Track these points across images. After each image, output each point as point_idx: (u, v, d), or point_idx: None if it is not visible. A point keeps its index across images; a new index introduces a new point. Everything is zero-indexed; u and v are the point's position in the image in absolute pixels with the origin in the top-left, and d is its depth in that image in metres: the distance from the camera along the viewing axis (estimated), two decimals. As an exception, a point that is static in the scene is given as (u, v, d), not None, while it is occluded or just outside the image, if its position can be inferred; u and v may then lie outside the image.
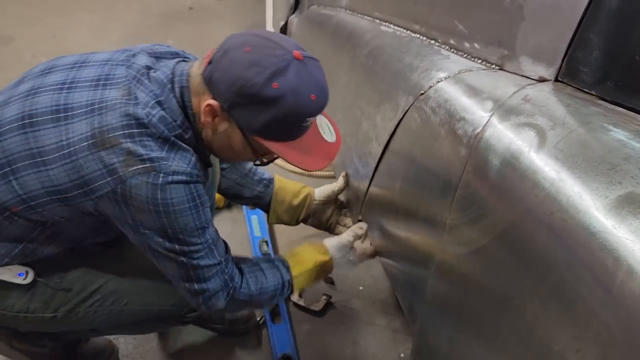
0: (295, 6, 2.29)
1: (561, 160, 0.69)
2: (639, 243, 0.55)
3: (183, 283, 0.97)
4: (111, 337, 1.39)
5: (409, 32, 1.29)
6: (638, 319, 0.52)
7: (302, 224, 1.44)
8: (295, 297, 1.58)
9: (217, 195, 1.31)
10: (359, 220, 1.37)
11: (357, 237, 1.28)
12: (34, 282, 0.98)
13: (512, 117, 0.81)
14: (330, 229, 1.42)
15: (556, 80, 0.88)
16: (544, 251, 0.66)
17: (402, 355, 1.46)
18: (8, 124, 0.88)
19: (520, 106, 0.82)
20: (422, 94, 1.04)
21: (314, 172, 2.15)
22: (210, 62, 0.86)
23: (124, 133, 0.83)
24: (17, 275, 0.96)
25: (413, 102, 1.06)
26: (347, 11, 1.66)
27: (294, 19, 2.24)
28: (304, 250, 1.20)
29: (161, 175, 0.83)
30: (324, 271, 1.21)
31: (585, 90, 0.83)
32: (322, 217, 1.40)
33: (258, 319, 1.50)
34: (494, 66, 1.01)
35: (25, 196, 0.87)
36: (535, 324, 0.66)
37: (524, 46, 0.94)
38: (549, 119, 0.76)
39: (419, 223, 1.03)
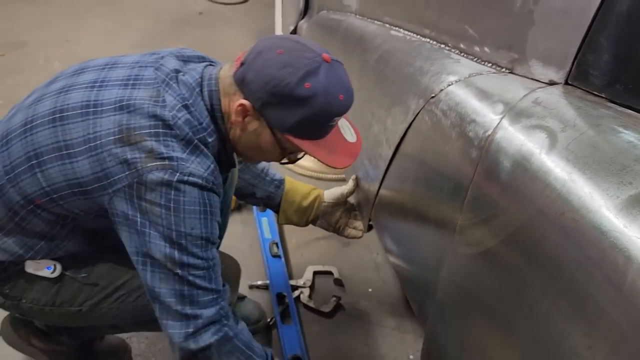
0: (305, 11, 2.32)
1: (572, 162, 0.70)
2: (651, 242, 0.56)
3: (175, 305, 0.90)
4: (125, 337, 1.41)
5: (419, 36, 1.30)
6: (649, 316, 0.54)
7: (311, 226, 1.46)
8: (305, 299, 1.60)
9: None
10: (369, 224, 1.39)
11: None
12: (61, 275, 1.01)
13: (522, 120, 0.82)
14: (339, 231, 1.43)
15: (566, 83, 0.89)
16: (556, 251, 0.67)
17: (411, 357, 1.47)
18: (40, 118, 0.91)
19: (531, 109, 0.84)
20: (433, 97, 1.06)
21: (324, 175, 2.17)
22: (242, 64, 0.89)
23: (150, 132, 0.86)
24: (46, 268, 0.99)
25: (424, 105, 1.08)
26: (357, 16, 1.68)
27: (304, 24, 2.26)
28: None
29: (177, 174, 0.85)
30: None
31: (595, 93, 0.84)
32: (330, 219, 1.41)
33: (268, 319, 1.51)
34: (504, 70, 1.02)
35: (48, 188, 0.90)
36: (548, 321, 0.67)
37: (534, 50, 0.95)
38: (559, 121, 0.78)
39: (430, 224, 1.04)
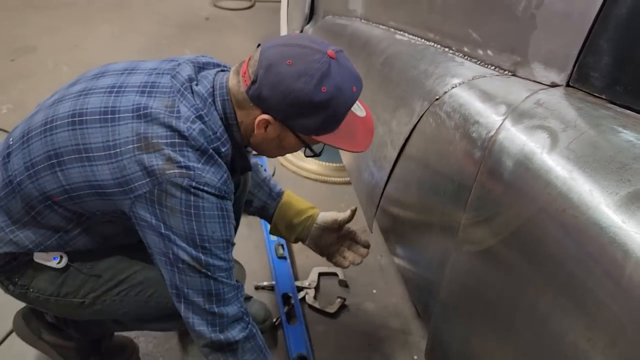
0: (310, 16, 2.35)
1: (573, 160, 0.72)
2: (648, 237, 0.58)
3: (203, 303, 0.95)
4: (132, 337, 1.43)
5: (423, 40, 1.32)
6: (646, 308, 0.55)
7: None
8: (310, 300, 1.61)
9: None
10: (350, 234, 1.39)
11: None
12: (67, 266, 1.04)
13: (525, 120, 0.84)
14: (328, 257, 1.38)
15: (567, 85, 0.91)
16: (557, 247, 0.69)
17: (415, 357, 1.48)
18: (59, 119, 0.95)
19: (533, 110, 0.86)
20: (437, 99, 1.08)
21: (329, 178, 2.19)
22: (254, 81, 0.90)
23: (167, 142, 0.89)
24: (53, 259, 1.03)
25: (428, 107, 1.10)
26: (362, 21, 1.71)
27: (309, 29, 2.29)
28: None
29: (194, 182, 0.89)
30: None
31: (596, 94, 0.86)
32: (319, 242, 1.36)
33: (274, 319, 1.53)
34: (506, 72, 1.04)
35: (67, 187, 0.93)
36: (549, 316, 0.69)
37: (536, 53, 0.97)
38: (560, 122, 0.80)
39: (434, 224, 1.06)
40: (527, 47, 0.99)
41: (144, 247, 0.98)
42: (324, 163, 2.23)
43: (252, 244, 1.83)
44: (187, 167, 0.89)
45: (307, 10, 2.35)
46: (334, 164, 2.21)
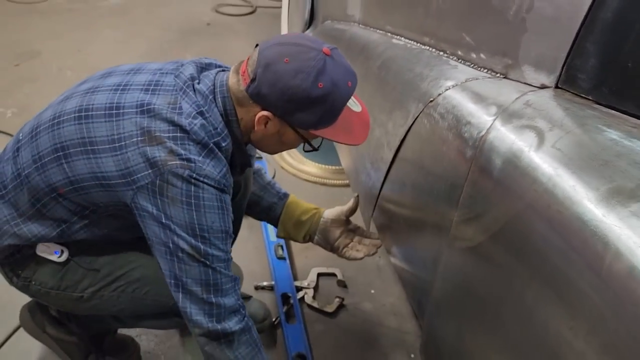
0: (310, 21, 2.38)
1: (558, 158, 0.75)
2: (626, 229, 0.61)
3: (201, 293, 0.97)
4: (134, 335, 1.46)
5: (419, 44, 1.36)
6: (623, 297, 0.58)
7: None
8: (309, 299, 1.64)
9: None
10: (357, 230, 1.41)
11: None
12: (67, 261, 1.08)
13: (514, 120, 0.87)
14: (337, 251, 1.38)
15: (556, 87, 0.94)
16: (542, 241, 0.72)
17: (412, 355, 1.50)
18: (67, 114, 0.99)
19: (522, 110, 0.89)
20: (431, 101, 1.11)
21: (328, 180, 2.22)
22: (253, 80, 0.94)
23: (169, 136, 0.93)
24: (54, 252, 1.07)
25: (423, 109, 1.13)
26: (360, 25, 1.74)
27: (309, 34, 2.33)
28: None
29: (195, 173, 0.92)
30: None
31: (583, 95, 0.89)
32: (328, 236, 1.38)
33: (273, 319, 1.56)
34: (498, 75, 1.07)
35: (73, 178, 0.97)
36: (534, 307, 0.72)
37: (526, 56, 1.01)
38: (548, 122, 0.83)
39: (428, 221, 1.09)
40: (518, 50, 1.02)
41: (142, 244, 1.01)
42: (323, 166, 2.26)
43: (252, 245, 1.85)
44: (188, 160, 0.92)
45: (307, 15, 2.39)
46: (333, 167, 2.24)
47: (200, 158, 0.93)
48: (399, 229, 1.27)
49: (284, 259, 1.77)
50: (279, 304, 1.61)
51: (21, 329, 1.38)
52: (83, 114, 0.97)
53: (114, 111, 0.96)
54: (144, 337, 1.49)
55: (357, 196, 1.41)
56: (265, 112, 0.96)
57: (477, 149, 0.90)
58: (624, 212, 0.63)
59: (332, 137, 0.99)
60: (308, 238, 1.40)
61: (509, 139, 0.84)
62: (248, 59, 0.97)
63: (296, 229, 1.39)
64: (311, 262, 1.79)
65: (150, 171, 0.92)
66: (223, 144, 0.98)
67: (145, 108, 0.95)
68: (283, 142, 1.03)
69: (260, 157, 2.27)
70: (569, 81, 0.92)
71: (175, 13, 4.01)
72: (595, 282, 0.62)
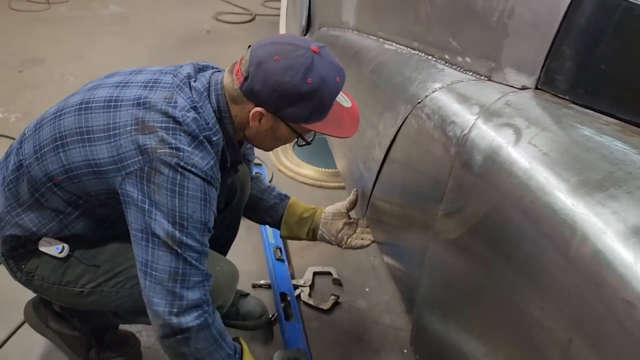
0: (307, 28, 2.45)
1: (534, 153, 0.80)
2: (592, 216, 0.66)
3: (166, 281, 0.98)
4: (135, 331, 1.50)
5: (409, 49, 1.41)
6: (588, 278, 0.63)
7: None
8: (305, 297, 1.68)
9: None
10: (358, 221, 1.47)
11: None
12: (68, 256, 1.12)
13: (494, 119, 0.92)
14: (342, 242, 1.44)
15: (536, 88, 0.99)
16: (517, 230, 0.77)
17: (405, 351, 1.54)
18: (69, 107, 1.04)
19: (502, 110, 0.94)
20: (419, 102, 1.16)
21: (325, 183, 2.26)
22: (246, 78, 0.99)
23: (162, 126, 0.97)
24: (55, 248, 1.11)
25: (411, 110, 1.18)
26: (354, 32, 1.80)
27: (306, 40, 2.39)
28: None
29: (182, 162, 0.96)
30: None
31: (560, 96, 0.94)
32: (331, 228, 1.43)
33: (270, 315, 1.60)
34: (483, 77, 1.12)
35: (68, 166, 1.01)
36: (510, 292, 0.76)
37: (508, 59, 1.06)
38: (525, 120, 0.88)
39: (416, 217, 1.14)
40: (501, 54, 1.07)
41: None
42: (319, 169, 2.31)
43: (250, 246, 1.90)
44: (178, 149, 0.96)
45: (304, 22, 2.45)
46: (329, 170, 2.29)
47: (189, 148, 0.97)
48: (390, 225, 1.32)
49: (282, 260, 1.82)
50: (277, 302, 1.65)
51: (26, 324, 1.43)
52: (84, 106, 1.03)
53: (112, 103, 1.01)
54: (145, 332, 1.53)
55: (357, 190, 1.47)
56: (258, 109, 1.01)
57: (460, 146, 0.95)
58: (591, 201, 0.68)
59: (323, 131, 1.04)
60: (311, 234, 1.44)
61: (489, 136, 0.89)
62: (241, 59, 1.03)
63: (299, 225, 1.44)
64: (307, 261, 1.84)
65: (140, 158, 0.96)
66: (214, 138, 1.02)
67: (142, 101, 1.00)
68: (277, 138, 1.08)
69: (260, 164, 2.32)
70: (548, 82, 0.97)
71: (175, 21, 4.08)
72: (563, 265, 0.66)
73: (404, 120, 1.21)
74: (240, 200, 1.39)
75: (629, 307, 0.57)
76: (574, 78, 0.93)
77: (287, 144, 2.47)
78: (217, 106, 1.04)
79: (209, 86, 1.05)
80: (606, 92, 0.88)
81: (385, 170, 1.31)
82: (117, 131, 0.99)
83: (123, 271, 1.15)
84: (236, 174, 1.24)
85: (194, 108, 1.01)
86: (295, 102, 0.98)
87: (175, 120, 0.98)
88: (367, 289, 1.76)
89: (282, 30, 2.91)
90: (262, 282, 1.73)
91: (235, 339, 1.15)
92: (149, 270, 0.99)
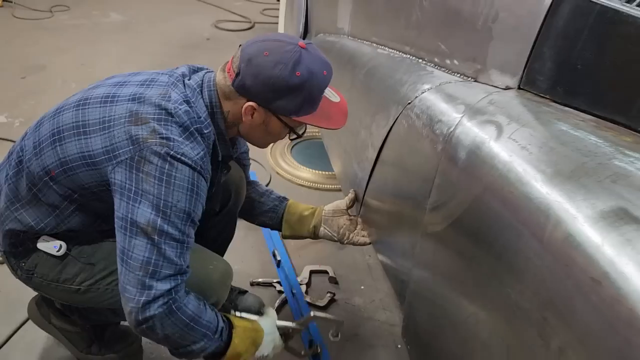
0: (304, 35, 2.51)
1: (513, 147, 0.85)
2: (565, 203, 0.71)
3: (137, 270, 0.98)
4: (135, 326, 1.54)
5: (400, 53, 1.47)
6: (560, 259, 0.67)
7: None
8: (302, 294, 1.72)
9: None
10: (358, 219, 1.52)
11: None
12: (65, 255, 1.15)
13: (478, 117, 0.98)
14: (344, 238, 1.48)
15: (519, 88, 1.05)
16: (496, 218, 0.81)
17: (399, 345, 1.58)
18: (68, 105, 1.09)
19: (486, 108, 0.99)
20: (409, 103, 1.21)
21: (322, 185, 2.31)
22: (237, 74, 1.04)
23: (154, 117, 1.02)
24: (53, 247, 1.14)
25: (402, 111, 1.23)
26: (349, 37, 1.86)
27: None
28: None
29: (172, 151, 1.00)
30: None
31: (541, 95, 1.00)
32: (334, 225, 1.48)
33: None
34: (470, 79, 1.18)
35: (63, 159, 1.05)
36: (491, 277, 0.81)
37: (493, 61, 1.11)
38: (506, 117, 0.93)
39: (406, 212, 1.18)
40: (486, 56, 1.13)
41: None
42: (316, 172, 2.36)
43: (248, 245, 1.94)
44: (168, 138, 1.00)
45: (301, 29, 2.51)
46: (326, 173, 2.34)
47: (180, 139, 1.01)
48: (382, 222, 1.37)
49: (279, 261, 1.86)
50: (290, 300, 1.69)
51: (29, 321, 1.47)
52: (82, 102, 1.08)
53: (109, 99, 1.06)
54: (145, 329, 1.57)
55: (354, 190, 1.52)
56: (250, 103, 1.05)
57: (447, 142, 1.00)
58: (564, 189, 0.72)
59: (313, 123, 1.08)
60: (313, 232, 1.48)
61: (473, 132, 0.95)
62: (232, 57, 1.07)
63: (300, 223, 1.48)
64: (304, 260, 1.88)
65: (131, 147, 1.00)
66: (205, 131, 1.06)
67: (137, 96, 1.05)
68: (269, 132, 1.12)
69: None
70: (530, 82, 1.03)
71: (176, 29, 4.15)
72: (538, 249, 0.71)
73: (395, 121, 1.26)
74: (235, 204, 1.43)
75: (595, 285, 0.62)
76: (553, 78, 0.98)
77: (285, 148, 2.53)
78: (209, 102, 1.09)
79: (202, 83, 1.10)
80: (583, 90, 0.94)
81: (378, 169, 1.36)
82: (112, 123, 1.03)
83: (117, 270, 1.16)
84: (228, 172, 1.27)
85: (187, 102, 1.05)
86: (285, 94, 1.03)
87: (167, 112, 1.02)
88: (362, 287, 1.80)
89: (280, 37, 2.97)
90: (260, 280, 1.78)
91: (227, 318, 1.16)
92: (125, 258, 1.00)
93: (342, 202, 1.51)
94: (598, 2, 0.90)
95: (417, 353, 1.18)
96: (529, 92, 1.02)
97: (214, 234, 1.45)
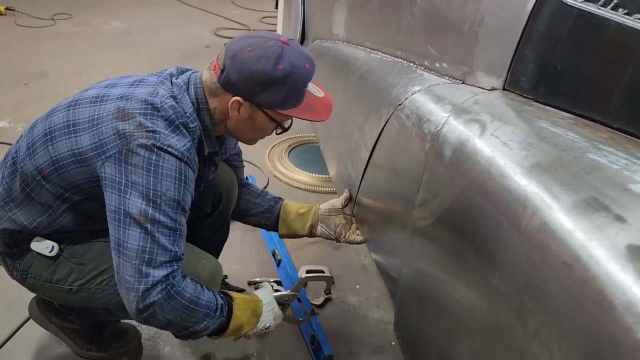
0: (301, 41, 2.56)
1: (495, 143, 0.89)
2: (541, 193, 0.75)
3: (133, 259, 1.01)
4: (136, 324, 1.57)
5: (393, 57, 1.51)
6: (535, 246, 0.72)
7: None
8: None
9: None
10: (353, 218, 1.56)
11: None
12: (57, 255, 1.19)
13: (463, 115, 1.02)
14: (341, 236, 1.52)
15: (504, 89, 1.09)
16: (479, 211, 0.86)
17: (393, 343, 1.62)
18: (61, 106, 1.14)
19: (471, 107, 1.03)
20: (399, 104, 1.26)
21: (317, 188, 2.36)
22: (222, 70, 1.09)
23: (140, 112, 1.06)
24: (46, 247, 1.18)
25: (393, 112, 1.28)
26: (344, 43, 1.91)
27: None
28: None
29: (159, 143, 1.03)
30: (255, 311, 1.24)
31: (524, 95, 1.04)
32: (330, 223, 1.52)
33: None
34: (458, 81, 1.22)
35: (55, 158, 1.09)
36: (473, 267, 0.85)
37: (479, 63, 1.16)
38: (490, 115, 0.97)
39: (397, 209, 1.22)
40: (473, 59, 1.17)
41: None
42: (313, 175, 2.40)
43: (246, 246, 1.98)
44: (154, 131, 1.04)
45: (298, 36, 2.57)
46: (323, 176, 2.38)
47: (166, 131, 1.05)
48: (375, 220, 1.41)
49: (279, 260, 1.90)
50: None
51: (30, 320, 1.50)
52: (73, 103, 1.12)
53: (99, 99, 1.10)
54: (145, 326, 1.60)
55: (349, 189, 1.56)
56: (236, 98, 1.09)
57: (434, 140, 1.05)
58: (540, 180, 0.77)
59: (299, 115, 1.12)
60: (310, 230, 1.51)
61: (458, 130, 0.99)
62: (218, 56, 1.12)
63: (297, 222, 1.51)
64: (301, 260, 1.91)
65: (118, 142, 1.03)
66: (191, 125, 1.10)
67: (125, 95, 1.09)
68: (256, 127, 1.15)
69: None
70: (514, 83, 1.07)
71: (176, 36, 4.21)
72: (516, 237, 0.75)
73: (387, 121, 1.30)
74: (227, 205, 1.46)
75: (567, 268, 0.66)
76: (535, 79, 1.03)
77: (282, 152, 2.57)
78: (195, 98, 1.13)
79: (189, 81, 1.14)
80: (563, 90, 0.98)
81: (370, 169, 1.40)
82: (100, 121, 1.06)
83: (108, 269, 1.18)
84: (216, 169, 1.30)
85: (173, 97, 1.09)
86: (269, 87, 1.07)
87: (153, 106, 1.06)
88: (357, 286, 1.84)
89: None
90: (257, 279, 1.81)
91: (225, 294, 1.19)
92: (120, 249, 1.03)
93: (337, 201, 1.55)
94: (576, 6, 0.95)
95: (408, 346, 1.22)
96: (513, 92, 1.07)
97: (207, 236, 1.49)
